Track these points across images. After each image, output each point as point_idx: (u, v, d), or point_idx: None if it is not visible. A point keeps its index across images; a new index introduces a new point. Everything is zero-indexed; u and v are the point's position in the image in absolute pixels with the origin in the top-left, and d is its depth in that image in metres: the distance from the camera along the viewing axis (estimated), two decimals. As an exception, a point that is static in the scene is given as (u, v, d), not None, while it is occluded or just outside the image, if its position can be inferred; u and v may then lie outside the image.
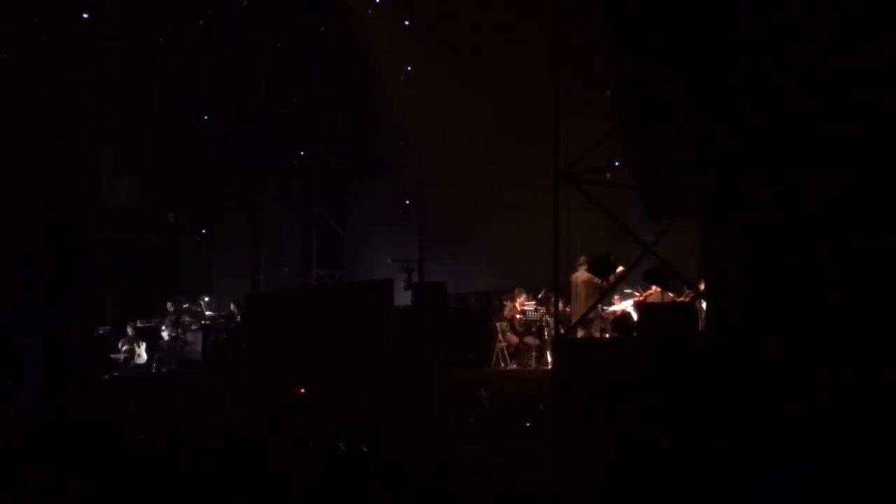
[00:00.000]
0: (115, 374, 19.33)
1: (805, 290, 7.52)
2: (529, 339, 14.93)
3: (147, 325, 19.65)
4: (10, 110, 19.13)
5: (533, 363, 14.76)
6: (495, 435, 12.45)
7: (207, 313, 19.81)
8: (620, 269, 12.83)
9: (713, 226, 8.67)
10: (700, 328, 9.62)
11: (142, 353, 19.39)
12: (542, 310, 15.04)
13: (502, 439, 12.20)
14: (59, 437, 10.86)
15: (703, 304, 10.56)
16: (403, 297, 16.81)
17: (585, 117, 13.61)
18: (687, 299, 11.93)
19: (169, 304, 20.04)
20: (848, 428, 6.99)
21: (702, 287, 10.20)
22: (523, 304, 15.19)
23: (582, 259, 14.18)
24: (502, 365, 14.82)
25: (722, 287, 8.52)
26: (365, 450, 10.43)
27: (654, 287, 13.17)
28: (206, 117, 22.33)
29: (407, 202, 19.75)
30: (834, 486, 6.94)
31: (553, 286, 12.30)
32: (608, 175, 13.25)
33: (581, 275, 14.22)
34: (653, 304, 12.39)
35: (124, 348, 19.57)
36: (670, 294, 12.84)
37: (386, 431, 11.81)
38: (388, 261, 18.33)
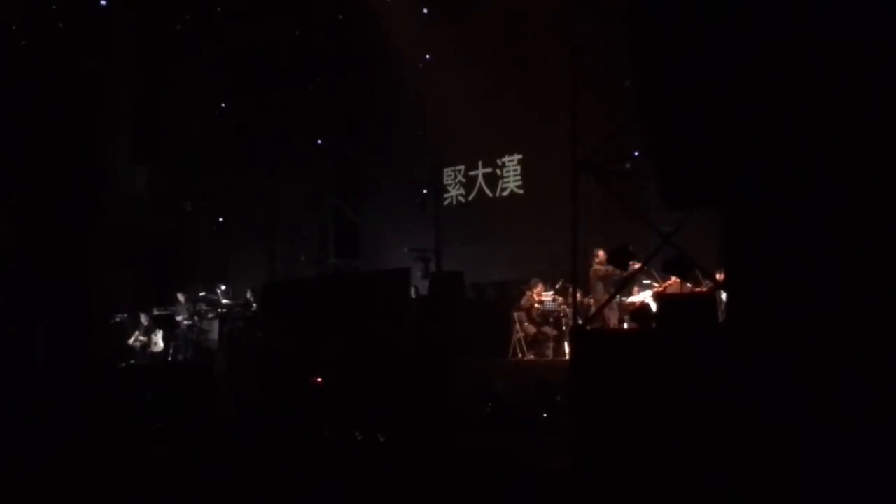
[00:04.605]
0: (132, 361, 19.38)
1: (826, 282, 7.44)
2: (547, 330, 14.89)
3: (164, 313, 19.69)
4: (28, 98, 19.17)
5: (550, 354, 14.72)
6: (511, 426, 12.40)
7: (224, 301, 19.83)
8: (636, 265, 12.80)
9: (733, 216, 8.59)
10: (720, 319, 9.54)
11: (158, 341, 19.44)
12: (560, 300, 14.99)
13: (518, 430, 12.16)
14: (73, 425, 10.90)
15: (723, 295, 10.48)
16: (421, 287, 16.79)
17: (604, 107, 13.51)
18: (706, 290, 11.86)
19: (180, 295, 20.08)
20: (870, 422, 6.92)
21: (720, 277, 10.12)
22: (541, 295, 15.14)
23: (600, 253, 14.12)
24: (519, 355, 14.78)
25: (742, 278, 8.45)
26: (381, 439, 10.42)
27: (672, 278, 13.12)
28: (223, 105, 22.31)
29: (424, 191, 19.70)
30: (852, 478, 6.87)
31: (571, 277, 12.23)
32: (627, 165, 13.16)
33: (599, 266, 14.17)
34: (672, 295, 12.33)
35: (140, 336, 19.64)
36: (689, 285, 12.76)
37: (402, 421, 11.80)
38: (406, 250, 18.31)
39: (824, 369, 7.21)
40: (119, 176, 22.03)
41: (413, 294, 16.12)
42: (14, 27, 19.18)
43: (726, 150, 8.12)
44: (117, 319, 20.32)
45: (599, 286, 14.10)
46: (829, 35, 7.40)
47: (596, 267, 14.15)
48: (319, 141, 21.59)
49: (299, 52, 21.06)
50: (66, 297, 19.46)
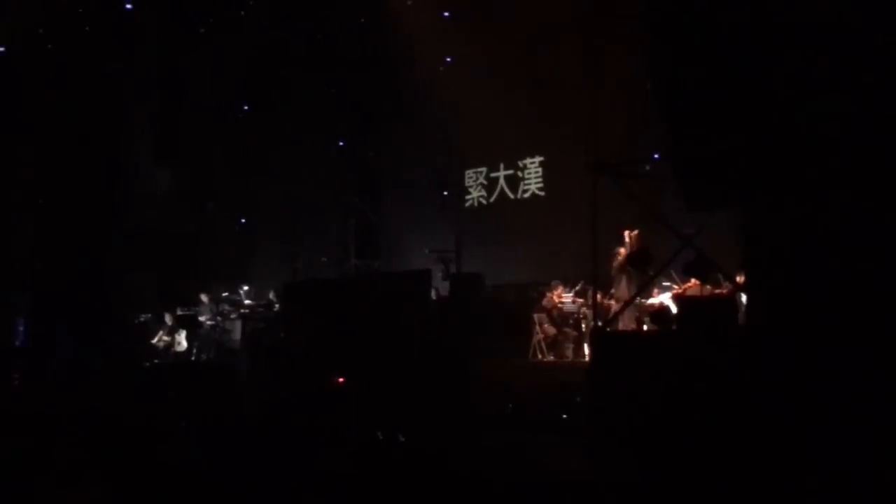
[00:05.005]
0: (156, 361, 19.50)
1: (848, 284, 7.45)
2: (567, 331, 14.92)
3: (187, 313, 19.82)
4: (53, 100, 19.32)
5: (570, 355, 14.74)
6: (531, 426, 12.43)
7: (246, 302, 19.95)
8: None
9: (753, 218, 8.61)
10: (740, 321, 9.56)
11: (181, 341, 19.56)
12: (580, 301, 15.02)
13: (538, 431, 12.18)
14: (95, 422, 10.98)
15: (743, 298, 10.50)
16: (441, 288, 16.84)
17: (625, 109, 13.54)
18: (726, 292, 11.87)
19: (203, 296, 20.20)
20: (893, 425, 6.93)
21: (740, 280, 10.14)
22: (561, 296, 15.17)
23: (620, 251, 14.13)
24: (539, 356, 14.81)
25: (762, 280, 8.46)
26: (402, 439, 10.47)
27: (692, 280, 13.13)
28: (245, 108, 22.43)
29: (445, 193, 19.76)
30: (875, 482, 6.88)
31: (591, 278, 12.27)
32: (647, 167, 13.19)
33: (619, 267, 14.18)
34: (692, 297, 12.34)
35: (164, 336, 19.77)
36: (708, 287, 12.77)
37: (422, 422, 11.84)
38: (426, 251, 18.36)
39: (846, 372, 7.23)
40: (142, 177, 22.16)
41: (434, 295, 16.17)
42: (41, 31, 19.34)
43: (747, 152, 8.15)
44: (141, 319, 20.46)
45: (623, 285, 14.06)
46: (853, 35, 7.42)
47: (621, 260, 14.09)
48: (342, 143, 21.68)
49: (321, 54, 21.14)
50: (90, 297, 19.59)
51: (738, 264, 10.30)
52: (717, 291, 12.41)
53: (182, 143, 22.15)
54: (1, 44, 18.58)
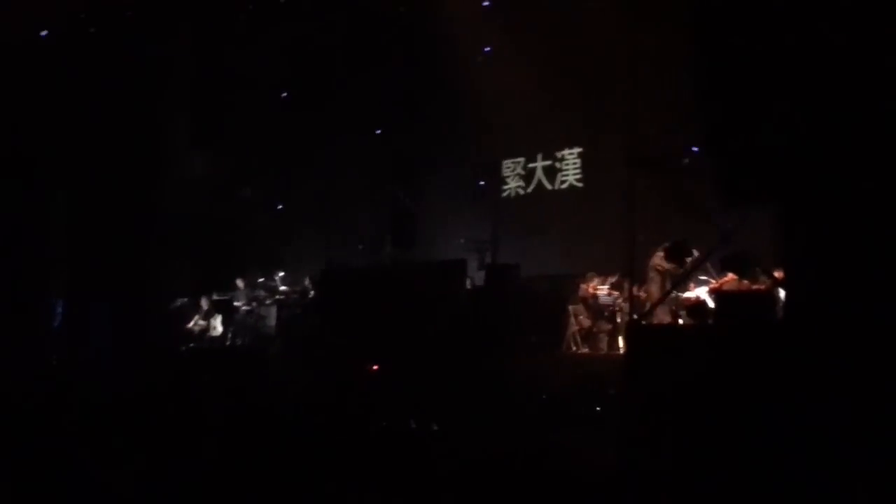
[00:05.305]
0: (191, 345, 19.61)
1: (888, 280, 7.36)
2: (602, 324, 14.88)
3: (223, 298, 19.91)
4: (92, 84, 19.43)
5: (605, 347, 14.70)
6: (564, 418, 12.39)
7: (282, 288, 20.02)
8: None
9: (793, 213, 8.52)
10: (778, 317, 9.46)
11: (217, 326, 19.66)
12: (616, 294, 14.96)
13: (571, 423, 12.14)
14: (133, 406, 11.06)
15: (781, 293, 10.40)
16: (476, 278, 16.83)
17: (664, 101, 13.45)
18: (764, 287, 11.77)
19: (239, 281, 20.29)
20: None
21: (778, 275, 10.05)
22: (596, 288, 15.13)
23: (660, 251, 14.06)
24: (574, 348, 14.78)
25: (801, 276, 8.37)
26: (435, 428, 10.48)
27: (729, 274, 13.03)
28: (284, 94, 22.46)
29: (481, 183, 19.73)
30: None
31: (626, 271, 12.21)
32: (685, 160, 13.10)
33: (655, 260, 14.11)
34: (730, 292, 12.24)
35: (200, 321, 19.88)
36: (745, 282, 12.68)
37: (455, 411, 11.84)
38: (462, 241, 18.35)
39: (885, 370, 7.15)
40: (180, 162, 22.25)
41: (469, 285, 16.16)
42: (83, 15, 19.45)
43: (787, 146, 8.07)
44: (177, 304, 20.57)
45: (658, 279, 14.00)
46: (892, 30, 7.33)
47: (657, 261, 14.07)
48: (379, 131, 21.68)
49: (360, 42, 21.12)
50: (127, 280, 19.70)
51: (777, 259, 10.21)
52: (755, 287, 12.30)
53: (220, 128, 22.21)
54: (44, 27, 18.71)
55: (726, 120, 8.60)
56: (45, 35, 18.59)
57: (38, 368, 16.43)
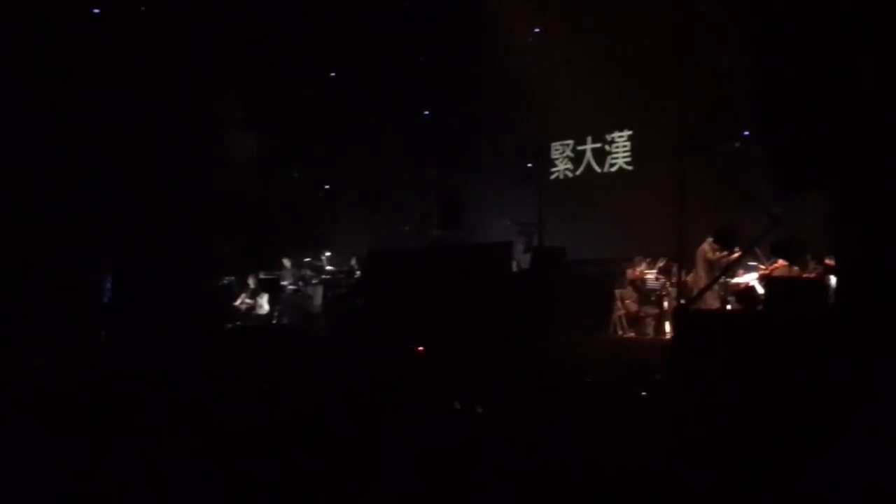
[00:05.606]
0: (238, 323, 19.76)
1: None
2: (648, 308, 14.78)
3: (269, 276, 20.03)
4: (144, 64, 19.56)
5: (651, 332, 14.62)
6: (609, 403, 12.34)
7: (328, 268, 20.10)
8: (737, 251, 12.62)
9: (846, 199, 8.38)
10: (830, 305, 9.34)
11: (263, 304, 19.79)
12: (663, 278, 14.86)
13: (616, 407, 12.09)
14: (177, 383, 11.15)
15: (832, 281, 10.27)
16: (522, 261, 16.78)
17: (716, 84, 13.29)
18: (815, 274, 11.63)
19: (286, 261, 20.39)
20: None
21: (830, 262, 9.91)
22: (644, 273, 15.03)
23: (708, 236, 13.94)
24: (620, 332, 14.71)
25: (854, 263, 8.24)
26: (479, 410, 10.46)
27: (779, 261, 12.89)
28: (332, 74, 22.49)
29: (529, 165, 19.63)
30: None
31: (676, 255, 12.11)
32: (737, 144, 12.94)
33: (704, 245, 13.99)
34: (781, 279, 12.11)
35: (247, 299, 20.02)
36: (796, 268, 12.53)
37: (500, 394, 11.82)
38: (508, 223, 18.30)
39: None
40: (228, 142, 22.38)
41: (514, 268, 16.11)
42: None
43: (842, 132, 7.93)
44: (225, 282, 20.73)
45: (705, 264, 13.90)
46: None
47: (706, 248, 13.96)
48: (426, 112, 21.65)
49: (409, 22, 21.09)
50: (175, 258, 19.87)
51: (828, 246, 10.07)
52: (806, 274, 12.16)
53: (268, 109, 22.29)
54: (96, 5, 18.84)
55: (783, 104, 8.46)
56: (98, 13, 18.71)
57: (88, 342, 16.63)
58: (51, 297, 16.43)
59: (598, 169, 19.05)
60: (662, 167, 13.53)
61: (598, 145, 19.10)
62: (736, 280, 13.94)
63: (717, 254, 13.61)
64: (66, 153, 17.55)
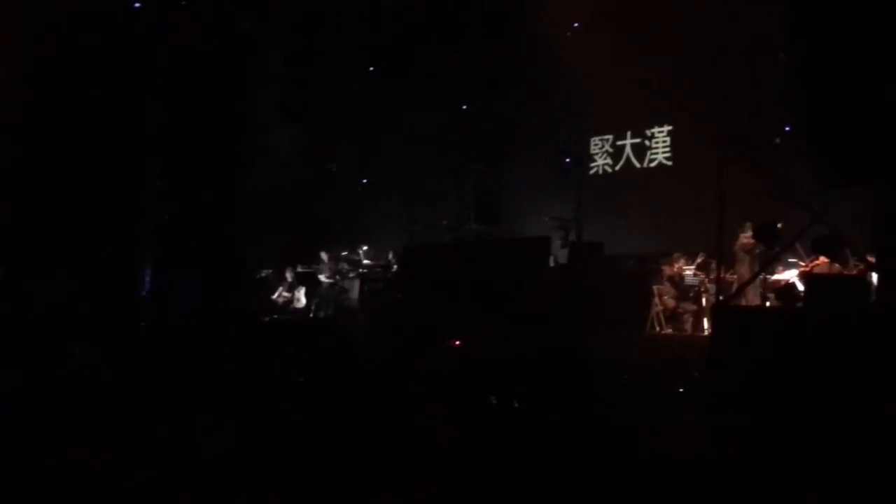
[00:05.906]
0: (275, 316, 19.86)
1: None
2: (687, 304, 14.71)
3: (307, 270, 20.11)
4: (184, 55, 19.67)
5: (689, 329, 14.54)
6: (646, 399, 12.29)
7: (365, 262, 20.15)
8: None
9: (887, 196, 8.30)
10: (871, 303, 9.25)
11: (301, 298, 19.88)
12: (701, 275, 14.78)
13: (653, 404, 12.03)
14: (218, 375, 11.23)
15: (874, 278, 10.17)
16: (560, 256, 16.74)
17: (757, 80, 13.18)
18: (855, 272, 11.52)
19: (323, 254, 20.47)
20: None
21: (871, 259, 9.81)
22: (682, 269, 14.95)
23: (747, 225, 13.84)
24: (657, 329, 14.65)
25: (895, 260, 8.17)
26: (516, 405, 10.46)
27: (820, 258, 12.77)
28: (370, 69, 22.52)
29: (567, 160, 19.57)
30: None
31: (715, 251, 12.03)
32: (777, 140, 12.85)
33: (744, 242, 13.90)
34: (822, 276, 12.01)
35: (284, 292, 20.12)
36: (836, 265, 12.42)
37: (536, 389, 11.80)
38: (546, 218, 18.25)
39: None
40: (267, 135, 22.48)
41: (552, 263, 16.08)
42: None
43: (884, 129, 7.85)
44: (263, 275, 20.85)
45: (746, 260, 13.81)
46: None
47: (743, 241, 13.88)
48: (465, 107, 21.63)
49: (447, 16, 21.06)
50: (215, 250, 19.99)
51: (870, 243, 9.97)
52: (847, 271, 12.04)
53: (307, 103, 22.36)
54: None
55: (825, 100, 8.39)
56: (139, 7, 18.84)
57: (129, 333, 16.79)
58: (95, 290, 16.61)
59: (637, 164, 18.96)
60: (702, 163, 13.42)
61: (637, 140, 19.00)
62: (776, 277, 13.83)
63: (756, 245, 13.52)
64: (109, 150, 17.70)
